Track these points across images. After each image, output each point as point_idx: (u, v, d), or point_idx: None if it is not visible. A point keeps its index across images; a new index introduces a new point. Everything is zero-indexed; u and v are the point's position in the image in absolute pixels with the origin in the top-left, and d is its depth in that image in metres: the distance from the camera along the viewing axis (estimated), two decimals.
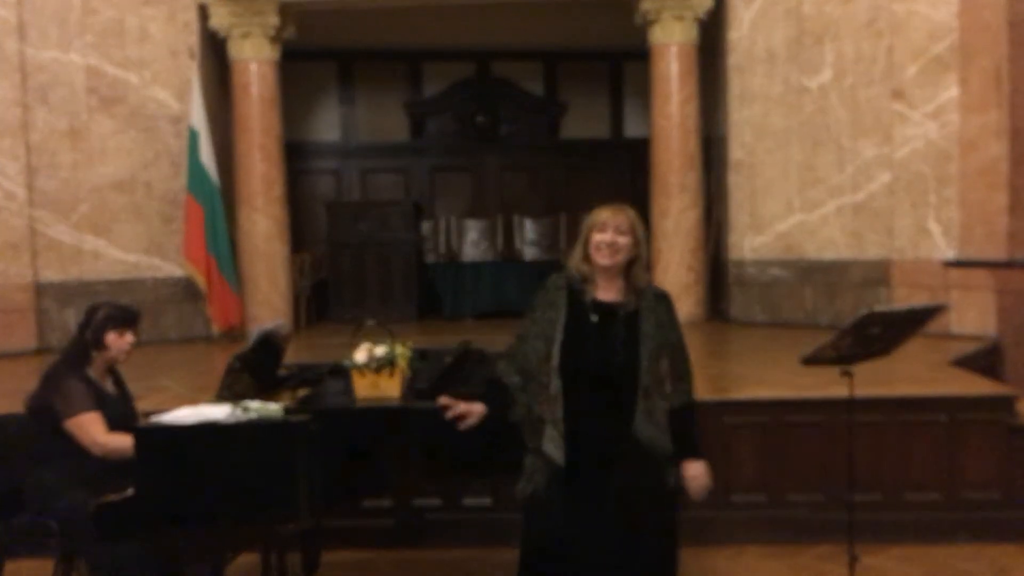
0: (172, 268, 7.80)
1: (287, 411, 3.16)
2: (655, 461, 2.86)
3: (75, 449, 3.31)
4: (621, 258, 2.91)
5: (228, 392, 3.33)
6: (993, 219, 6.51)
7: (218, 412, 3.10)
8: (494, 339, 6.52)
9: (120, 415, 3.40)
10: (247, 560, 3.66)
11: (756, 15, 7.74)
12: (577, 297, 2.95)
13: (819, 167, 7.51)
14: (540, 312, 2.98)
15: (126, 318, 3.52)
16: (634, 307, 2.93)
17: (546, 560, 2.89)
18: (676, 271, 7.84)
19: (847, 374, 3.52)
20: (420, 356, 3.54)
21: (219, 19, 7.82)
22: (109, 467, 3.23)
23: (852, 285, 7.33)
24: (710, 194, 8.59)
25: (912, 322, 3.58)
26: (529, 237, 10.44)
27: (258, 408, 3.13)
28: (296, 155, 9.82)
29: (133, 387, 3.75)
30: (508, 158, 11.24)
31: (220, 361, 4.09)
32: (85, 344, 3.46)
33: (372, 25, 9.38)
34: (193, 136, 7.52)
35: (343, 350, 3.40)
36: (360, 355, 3.29)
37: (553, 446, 2.85)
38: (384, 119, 11.19)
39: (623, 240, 2.91)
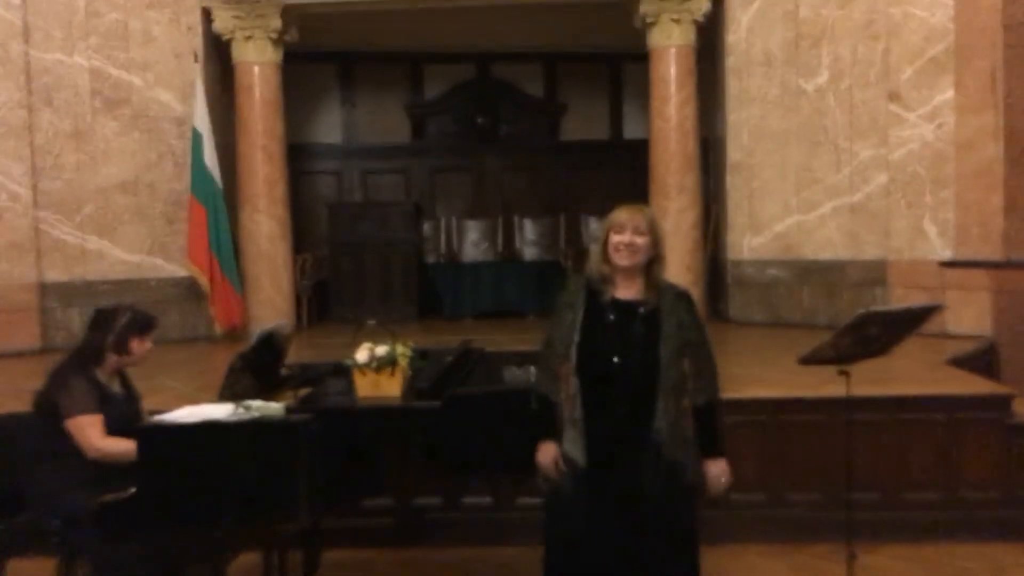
0: (175, 268, 7.83)
1: (288, 410, 3.18)
2: (675, 460, 2.84)
3: (78, 448, 3.30)
4: (640, 258, 2.92)
5: (230, 392, 3.36)
6: (989, 220, 6.55)
7: (220, 411, 3.13)
8: (494, 339, 6.61)
9: (125, 415, 3.39)
10: (247, 560, 3.67)
11: (754, 18, 7.77)
12: (596, 297, 2.95)
13: (816, 168, 7.54)
14: (560, 314, 2.99)
15: (148, 324, 3.53)
16: (654, 306, 2.93)
17: (570, 560, 2.90)
18: (675, 271, 7.74)
19: (844, 373, 3.54)
20: (421, 356, 3.56)
21: (222, 22, 7.86)
22: (111, 466, 3.22)
23: (849, 285, 7.37)
24: (708, 195, 8.62)
25: (909, 322, 3.60)
26: (529, 237, 10.47)
27: (259, 407, 3.15)
28: (298, 156, 9.84)
29: (136, 386, 3.73)
30: (508, 159, 11.22)
31: (222, 361, 4.10)
32: (100, 346, 3.44)
33: (373, 28, 9.40)
34: (196, 137, 7.55)
35: (344, 350, 3.43)
36: (361, 355, 3.31)
37: (574, 447, 2.86)
38: (385, 120, 11.18)
39: (641, 240, 2.91)
